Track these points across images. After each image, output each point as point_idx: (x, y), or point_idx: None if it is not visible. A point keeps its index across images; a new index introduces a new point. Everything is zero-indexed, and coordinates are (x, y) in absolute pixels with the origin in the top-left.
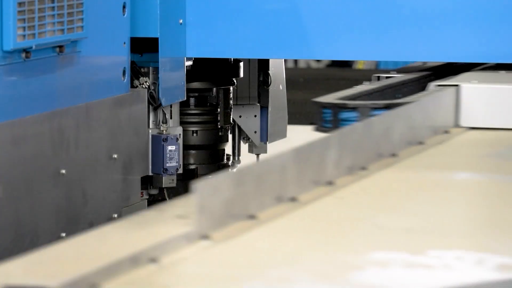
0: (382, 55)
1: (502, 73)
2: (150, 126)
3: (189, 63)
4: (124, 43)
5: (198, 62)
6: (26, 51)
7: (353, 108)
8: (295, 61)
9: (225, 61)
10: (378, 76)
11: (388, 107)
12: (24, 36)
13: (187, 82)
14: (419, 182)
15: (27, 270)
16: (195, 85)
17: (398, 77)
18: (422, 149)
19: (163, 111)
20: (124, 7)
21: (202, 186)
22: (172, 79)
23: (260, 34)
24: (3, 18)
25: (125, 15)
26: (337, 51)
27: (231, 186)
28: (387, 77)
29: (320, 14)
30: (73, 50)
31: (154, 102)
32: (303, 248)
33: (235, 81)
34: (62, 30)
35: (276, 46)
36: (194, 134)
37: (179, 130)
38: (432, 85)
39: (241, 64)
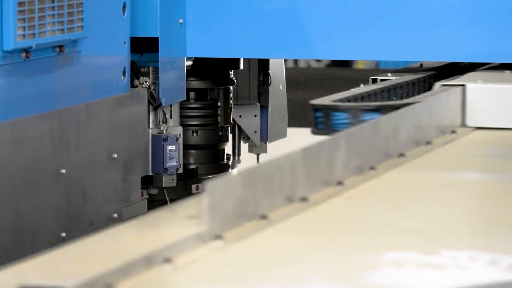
0: (382, 55)
1: (507, 73)
2: (150, 126)
3: (189, 63)
4: (124, 43)
5: (198, 60)
6: (26, 51)
7: (344, 110)
8: (295, 61)
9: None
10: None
11: (379, 109)
12: (24, 36)
13: (187, 81)
14: (427, 182)
15: (43, 270)
16: (195, 84)
17: (395, 80)
18: (429, 149)
19: (163, 111)
20: (124, 7)
21: (213, 186)
22: (172, 79)
23: (260, 34)
24: (3, 18)
25: (125, 15)
26: (337, 51)
27: (242, 186)
28: (381, 80)
29: (320, 14)
30: (73, 50)
31: (154, 102)
32: (315, 248)
33: (235, 80)
34: (62, 30)
35: (276, 46)
36: (194, 134)
37: (179, 130)
38: (438, 85)
39: (241, 59)
